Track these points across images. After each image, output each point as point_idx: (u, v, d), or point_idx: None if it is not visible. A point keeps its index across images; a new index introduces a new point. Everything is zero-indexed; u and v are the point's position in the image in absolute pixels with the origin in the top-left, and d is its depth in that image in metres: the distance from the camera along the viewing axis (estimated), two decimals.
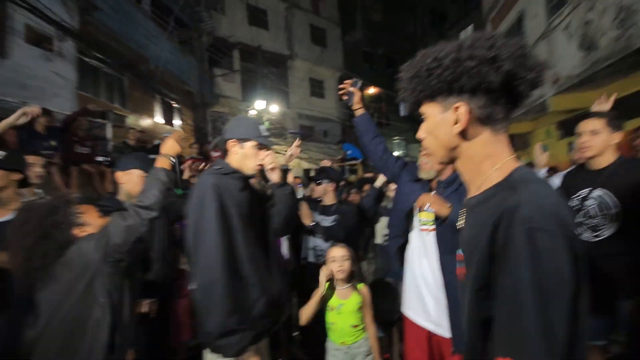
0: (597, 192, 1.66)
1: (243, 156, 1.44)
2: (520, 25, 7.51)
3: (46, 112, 4.01)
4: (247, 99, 12.25)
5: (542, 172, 2.17)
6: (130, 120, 7.74)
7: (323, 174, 2.50)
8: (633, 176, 1.60)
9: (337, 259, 1.85)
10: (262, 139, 1.46)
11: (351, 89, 1.84)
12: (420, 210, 1.65)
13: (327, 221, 2.40)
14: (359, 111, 1.88)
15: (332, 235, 2.31)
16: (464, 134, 0.70)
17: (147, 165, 1.77)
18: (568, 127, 6.75)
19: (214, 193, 1.31)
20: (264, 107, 11.02)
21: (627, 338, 1.71)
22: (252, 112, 11.63)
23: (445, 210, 1.46)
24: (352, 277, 1.89)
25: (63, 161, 3.82)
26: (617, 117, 1.71)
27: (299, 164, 14.25)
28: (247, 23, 12.74)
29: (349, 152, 9.24)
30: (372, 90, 16.87)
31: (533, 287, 0.56)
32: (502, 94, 0.65)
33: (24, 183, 1.78)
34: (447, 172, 1.61)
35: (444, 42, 0.69)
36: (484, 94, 0.66)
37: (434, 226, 1.58)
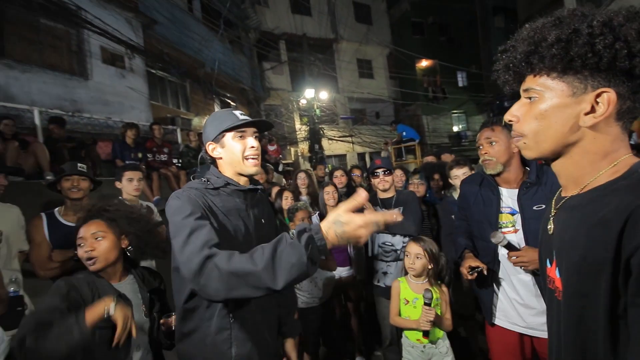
0: None
1: (229, 155, 1.12)
2: None
3: (134, 126, 4.56)
4: (296, 89, 12.38)
5: None
6: (195, 122, 8.36)
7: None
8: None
9: (411, 254, 1.79)
10: (240, 121, 1.11)
11: None
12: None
13: None
14: None
15: (396, 229, 2.21)
16: (592, 127, 0.56)
17: None
18: None
19: None
20: (313, 95, 11.00)
21: None
22: (302, 102, 11.72)
23: (535, 264, 1.29)
24: (429, 274, 1.80)
25: (147, 168, 4.29)
26: None
27: (353, 148, 14.06)
28: (291, 12, 12.73)
29: (404, 134, 8.79)
30: (425, 63, 15.75)
31: None
32: None
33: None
34: (516, 168, 1.46)
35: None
36: (633, 82, 0.52)
37: (514, 228, 1.46)
